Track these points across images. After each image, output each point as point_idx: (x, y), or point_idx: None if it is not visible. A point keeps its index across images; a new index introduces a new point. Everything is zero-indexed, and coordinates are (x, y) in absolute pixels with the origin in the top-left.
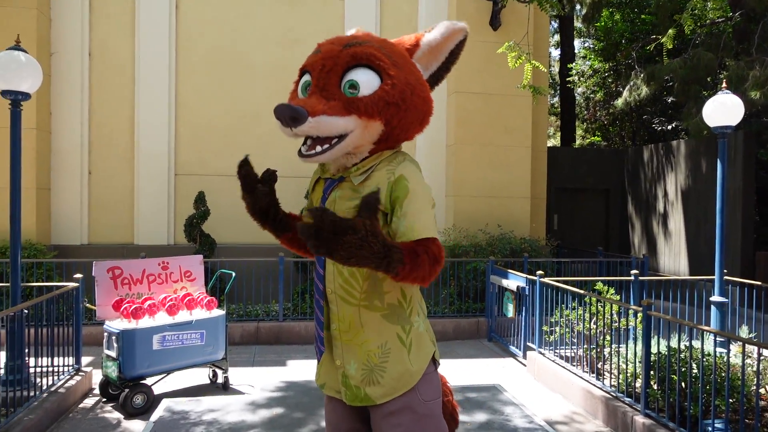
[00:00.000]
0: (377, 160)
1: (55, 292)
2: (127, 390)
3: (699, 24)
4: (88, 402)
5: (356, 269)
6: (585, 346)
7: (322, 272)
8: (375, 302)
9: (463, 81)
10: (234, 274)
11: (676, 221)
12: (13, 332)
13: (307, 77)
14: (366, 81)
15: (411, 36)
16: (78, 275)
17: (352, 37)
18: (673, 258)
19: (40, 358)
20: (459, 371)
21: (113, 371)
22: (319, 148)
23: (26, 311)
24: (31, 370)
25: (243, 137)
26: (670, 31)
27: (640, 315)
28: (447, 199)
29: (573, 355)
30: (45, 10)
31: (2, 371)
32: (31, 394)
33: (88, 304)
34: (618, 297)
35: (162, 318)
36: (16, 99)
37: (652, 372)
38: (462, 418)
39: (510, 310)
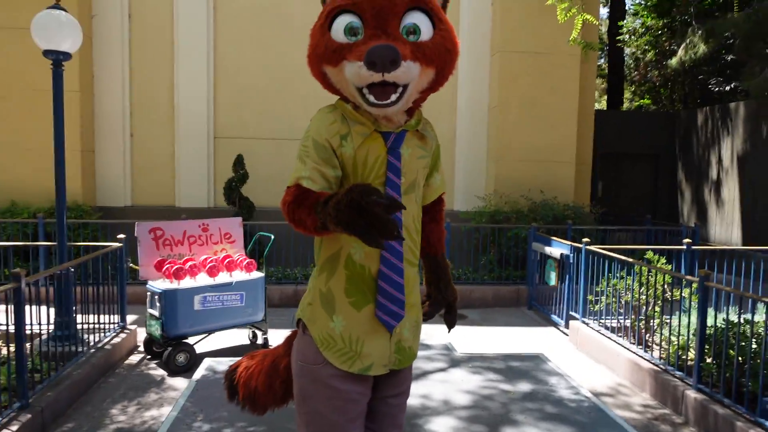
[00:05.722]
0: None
1: (100, 251)
2: (170, 348)
3: None
4: (134, 359)
5: (418, 225)
6: (632, 317)
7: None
8: (417, 259)
9: (507, 40)
10: (273, 237)
11: (731, 189)
12: (60, 290)
13: (351, 19)
14: (424, 25)
15: None
16: (121, 236)
17: None
18: (725, 228)
19: (87, 316)
20: (500, 339)
21: (156, 330)
22: (394, 96)
23: (72, 270)
24: (79, 326)
25: (280, 100)
26: None
27: (694, 286)
28: (488, 164)
29: (618, 325)
30: None
31: (52, 327)
32: (80, 349)
33: (131, 264)
34: (669, 267)
35: (203, 279)
36: (58, 59)
37: (706, 346)
38: (505, 387)
39: (552, 279)
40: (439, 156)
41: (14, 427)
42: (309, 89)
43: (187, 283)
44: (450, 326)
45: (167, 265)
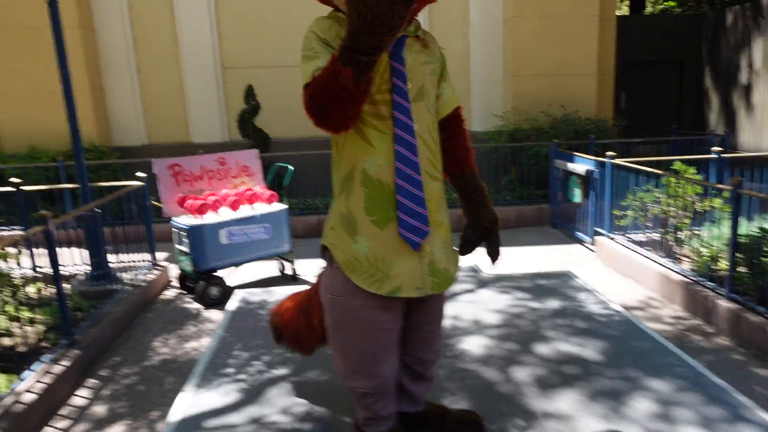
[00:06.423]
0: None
1: (122, 191)
2: (203, 282)
3: None
4: (168, 294)
5: (436, 136)
6: (661, 230)
7: (413, 142)
8: (440, 174)
9: None
10: (291, 168)
11: (761, 92)
12: (89, 230)
13: None
14: None
15: None
16: (141, 174)
17: None
18: (755, 134)
19: (119, 255)
20: (526, 258)
21: (187, 265)
22: None
23: (98, 210)
24: (112, 266)
25: (286, 25)
26: None
27: (725, 194)
28: (505, 80)
29: (646, 239)
30: None
31: (88, 268)
32: (116, 287)
33: (154, 202)
34: (699, 176)
35: (226, 213)
36: None
37: (739, 255)
38: (533, 305)
39: (576, 196)
40: (445, 65)
41: (66, 363)
42: (311, 12)
43: (211, 217)
44: (493, 258)
45: (189, 201)
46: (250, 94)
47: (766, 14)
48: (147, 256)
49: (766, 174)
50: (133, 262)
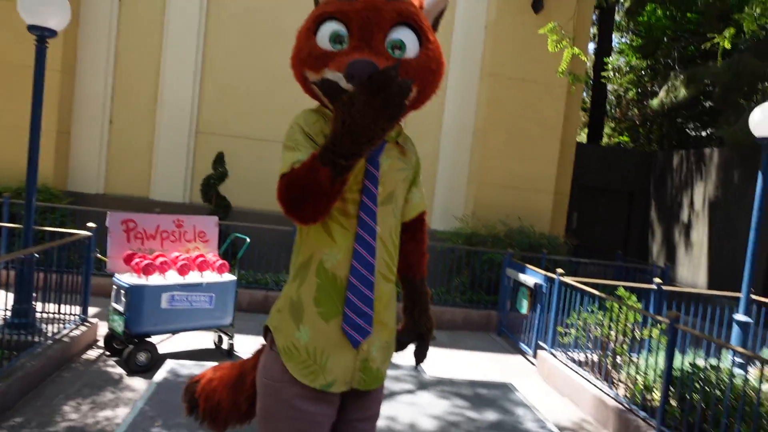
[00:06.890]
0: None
1: (67, 239)
2: (131, 346)
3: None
4: (92, 354)
5: (396, 240)
6: (600, 352)
7: (373, 244)
8: (394, 275)
9: (498, 63)
10: (248, 240)
11: (700, 232)
12: (22, 275)
13: (338, 27)
14: (410, 42)
15: None
16: (91, 224)
17: None
18: (693, 270)
19: (47, 305)
20: (468, 363)
21: (119, 326)
22: None
23: (36, 255)
24: (38, 315)
25: (268, 101)
26: (729, 30)
27: (662, 326)
28: (468, 186)
29: (586, 359)
30: None
31: (9, 313)
32: (36, 339)
33: (99, 255)
34: (639, 305)
35: (172, 277)
36: (42, 35)
37: (671, 388)
38: (471, 415)
39: (524, 307)
40: (419, 172)
41: None
42: (294, 94)
43: (155, 279)
44: (418, 361)
45: (137, 259)
46: (219, 160)
47: (707, 162)
48: (77, 310)
49: (701, 310)
50: (62, 314)
